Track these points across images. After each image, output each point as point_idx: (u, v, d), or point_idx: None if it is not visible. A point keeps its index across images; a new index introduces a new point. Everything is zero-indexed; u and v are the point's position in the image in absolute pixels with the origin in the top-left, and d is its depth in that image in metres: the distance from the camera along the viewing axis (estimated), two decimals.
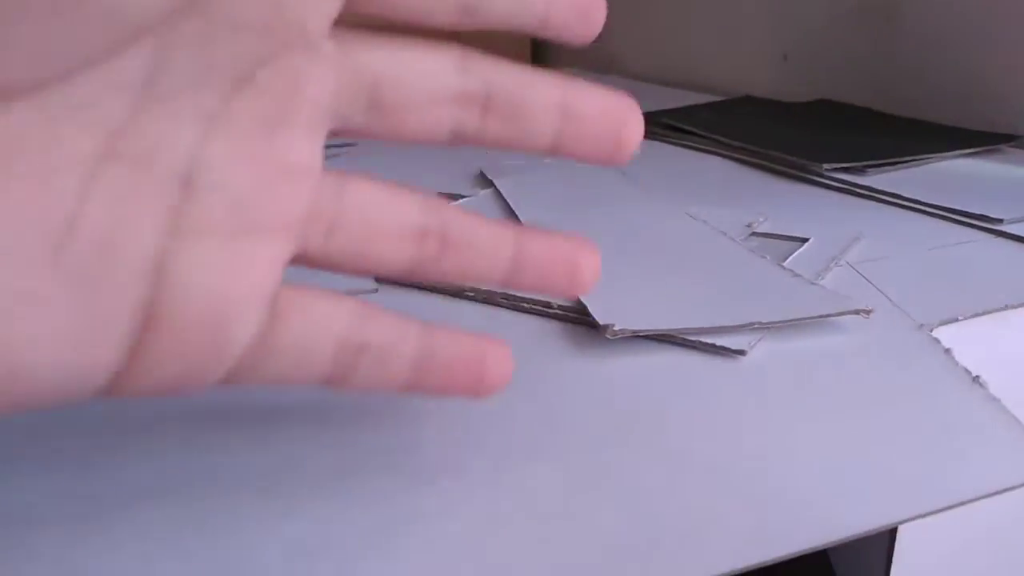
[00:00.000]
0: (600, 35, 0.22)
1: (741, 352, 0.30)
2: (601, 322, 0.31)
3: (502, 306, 0.35)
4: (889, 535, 0.42)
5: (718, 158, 0.61)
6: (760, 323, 0.31)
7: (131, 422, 0.26)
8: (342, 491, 0.23)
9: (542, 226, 0.42)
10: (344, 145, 0.67)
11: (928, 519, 0.40)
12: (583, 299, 0.33)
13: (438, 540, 0.21)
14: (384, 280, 0.38)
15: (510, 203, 0.47)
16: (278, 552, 0.21)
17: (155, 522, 0.22)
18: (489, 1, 0.20)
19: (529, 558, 0.21)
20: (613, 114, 0.23)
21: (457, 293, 0.36)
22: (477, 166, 0.57)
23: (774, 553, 0.21)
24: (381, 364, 0.21)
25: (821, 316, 0.32)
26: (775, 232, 0.43)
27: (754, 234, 0.43)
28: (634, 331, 0.30)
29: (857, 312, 0.32)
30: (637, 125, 0.23)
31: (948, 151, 0.57)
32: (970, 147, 0.58)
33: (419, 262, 0.22)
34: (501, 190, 0.49)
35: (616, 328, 0.30)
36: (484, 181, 0.53)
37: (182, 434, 0.26)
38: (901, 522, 0.23)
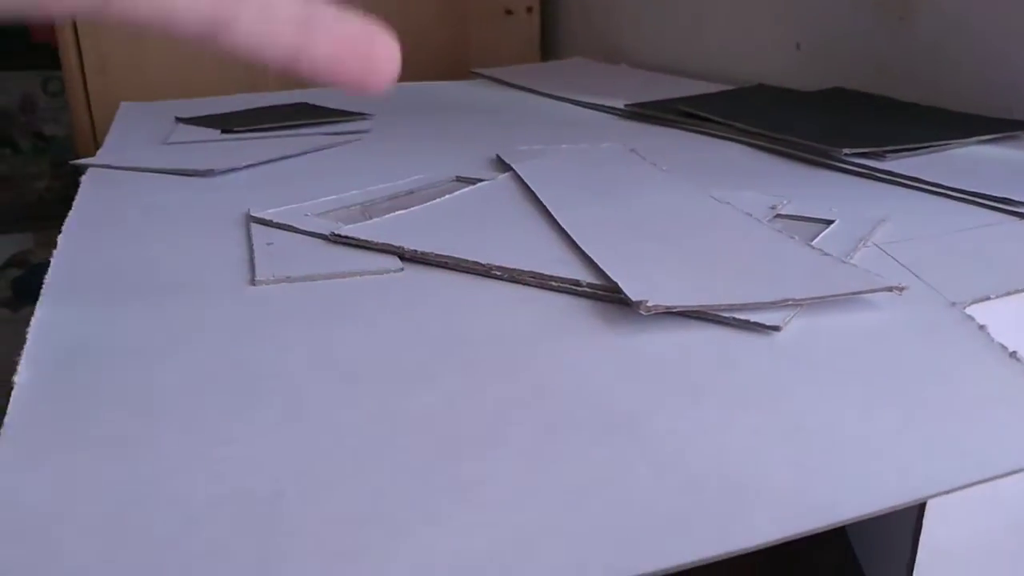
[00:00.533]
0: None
1: (776, 328, 0.30)
2: (634, 298, 0.30)
3: (529, 284, 0.35)
4: (916, 522, 0.42)
5: (736, 144, 0.60)
6: (794, 299, 0.31)
7: (173, 403, 0.26)
8: (384, 462, 0.23)
9: (565, 206, 0.42)
10: (358, 132, 0.67)
11: (957, 502, 0.40)
12: (613, 276, 0.33)
13: (481, 508, 0.21)
14: (409, 259, 0.37)
15: (531, 186, 0.47)
16: (326, 522, 0.20)
17: (192, 497, 0.22)
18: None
19: (572, 525, 0.20)
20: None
21: (485, 272, 0.36)
22: (493, 151, 0.57)
23: (816, 524, 0.21)
24: (265, 12, 0.20)
25: (854, 293, 0.32)
26: (799, 214, 0.43)
27: (778, 216, 0.43)
28: (668, 307, 0.30)
29: (890, 289, 0.32)
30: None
31: (967, 137, 0.57)
32: (988, 134, 0.58)
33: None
34: (520, 173, 0.49)
35: (650, 304, 0.30)
36: (501, 165, 0.53)
37: (218, 413, 0.26)
38: (942, 493, 0.23)
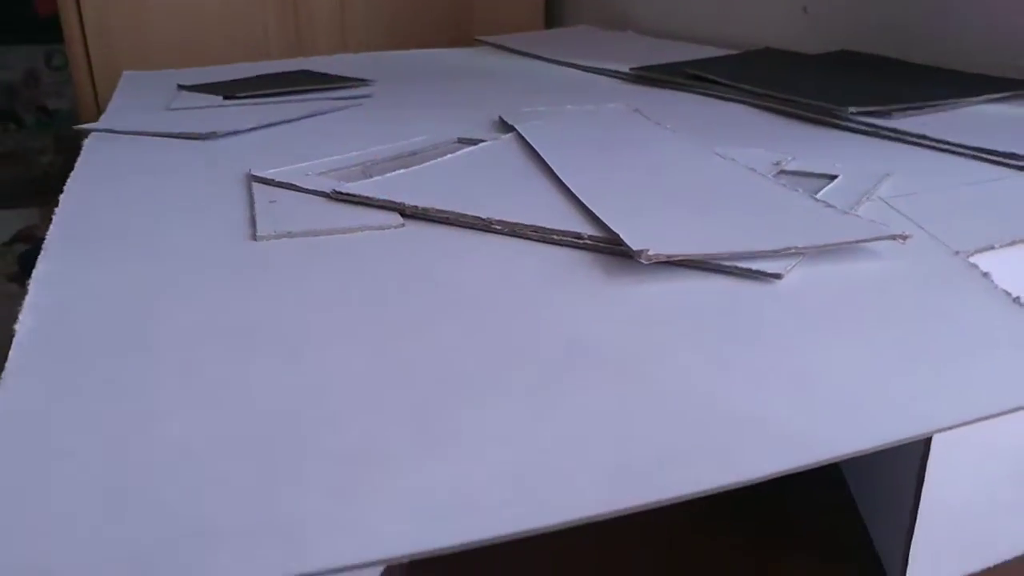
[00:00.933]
0: None
1: (777, 275, 0.30)
2: (635, 248, 0.30)
3: (531, 238, 0.35)
4: (918, 477, 0.41)
5: (742, 105, 0.60)
6: (796, 248, 0.31)
7: (169, 342, 0.26)
8: (382, 404, 0.23)
9: (567, 163, 0.41)
10: (361, 97, 0.67)
11: (958, 454, 0.40)
12: (615, 227, 0.33)
13: (478, 447, 0.21)
14: (410, 215, 0.37)
15: (533, 145, 0.46)
16: (323, 460, 0.20)
17: (190, 436, 0.22)
18: None
19: (570, 461, 0.20)
20: None
21: (486, 227, 0.36)
22: (497, 115, 0.56)
23: (818, 457, 0.21)
24: None
25: (857, 241, 0.31)
26: (803, 170, 0.43)
27: (782, 172, 0.42)
28: (668, 255, 0.30)
29: (893, 238, 0.32)
30: None
31: (974, 96, 0.56)
32: (996, 92, 0.57)
33: None
34: (524, 134, 0.49)
35: (651, 253, 0.30)
36: (504, 127, 0.53)
37: (216, 358, 0.26)
38: (944, 429, 0.23)
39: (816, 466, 0.21)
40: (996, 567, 0.47)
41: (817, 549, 0.48)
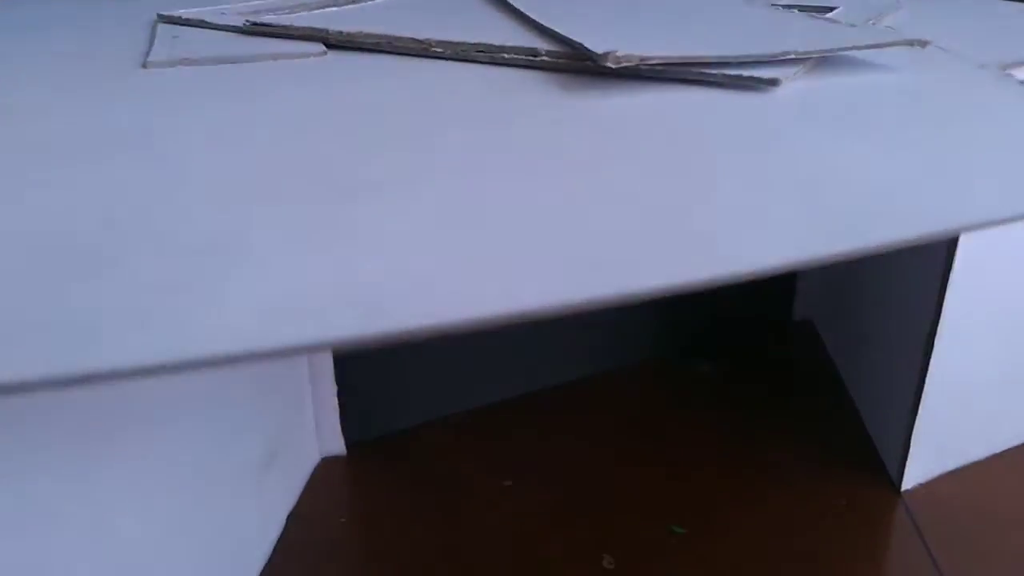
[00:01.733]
0: None
1: (774, 82, 0.24)
2: (599, 51, 0.25)
3: (478, 60, 0.29)
4: (924, 351, 0.37)
5: None
6: (796, 53, 0.25)
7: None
8: (250, 198, 0.18)
9: (542, 10, 0.35)
10: None
11: (970, 327, 0.35)
12: (576, 37, 0.27)
13: (367, 241, 0.16)
14: (335, 44, 0.31)
15: None
16: (157, 255, 0.15)
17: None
18: None
19: (488, 254, 0.15)
20: None
21: (424, 51, 0.30)
22: None
23: (832, 249, 0.16)
24: None
25: (869, 47, 0.26)
26: (798, 3, 0.37)
27: (774, 5, 0.37)
28: (641, 58, 0.24)
29: (911, 43, 0.26)
30: None
31: None
32: None
33: None
34: None
35: (619, 55, 0.24)
36: None
37: (67, 163, 0.20)
38: (978, 227, 0.18)
39: (814, 266, 0.16)
40: (1003, 453, 0.43)
41: (815, 452, 0.44)
